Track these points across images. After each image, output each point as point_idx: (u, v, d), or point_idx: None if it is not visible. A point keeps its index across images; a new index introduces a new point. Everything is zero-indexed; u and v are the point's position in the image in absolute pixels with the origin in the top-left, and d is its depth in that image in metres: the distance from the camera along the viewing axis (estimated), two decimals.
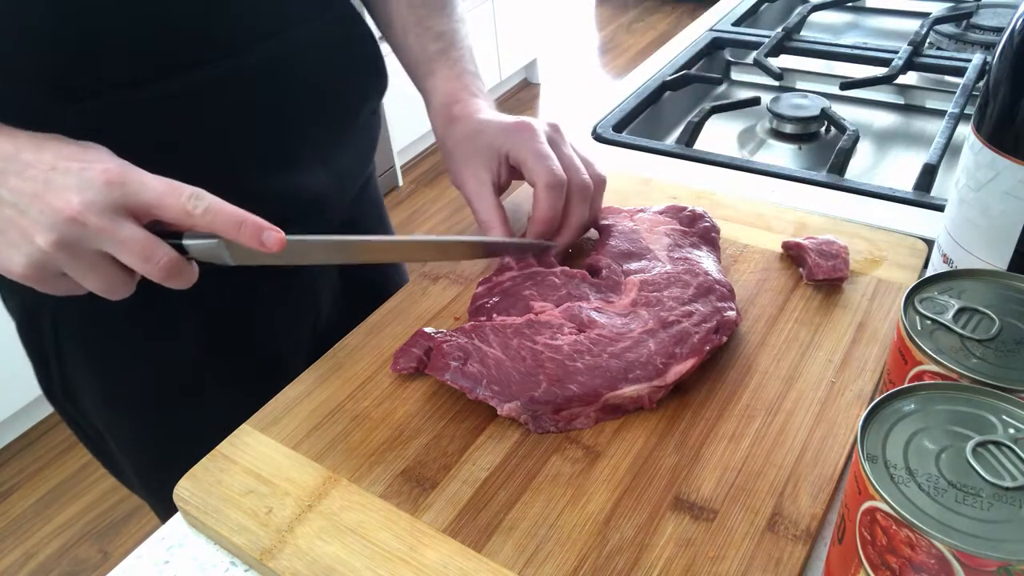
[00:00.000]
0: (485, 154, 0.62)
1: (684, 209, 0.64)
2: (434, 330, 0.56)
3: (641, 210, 0.65)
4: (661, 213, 0.64)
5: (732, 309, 0.54)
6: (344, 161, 0.69)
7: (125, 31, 0.52)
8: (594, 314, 0.54)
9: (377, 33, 0.71)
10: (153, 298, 0.58)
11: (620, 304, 0.56)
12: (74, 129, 0.47)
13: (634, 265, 0.59)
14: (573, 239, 0.62)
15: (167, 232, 0.46)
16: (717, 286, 0.56)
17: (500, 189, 0.63)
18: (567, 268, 0.59)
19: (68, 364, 0.68)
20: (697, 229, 0.62)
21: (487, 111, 0.65)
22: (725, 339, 0.53)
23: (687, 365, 0.50)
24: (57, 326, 0.66)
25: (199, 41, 0.56)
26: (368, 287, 0.78)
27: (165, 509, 0.74)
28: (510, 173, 0.63)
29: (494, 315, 0.56)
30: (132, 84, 0.53)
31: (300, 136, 0.64)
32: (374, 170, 0.82)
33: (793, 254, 0.62)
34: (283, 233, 0.46)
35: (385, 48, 0.71)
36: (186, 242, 0.46)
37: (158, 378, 0.69)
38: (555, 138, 0.62)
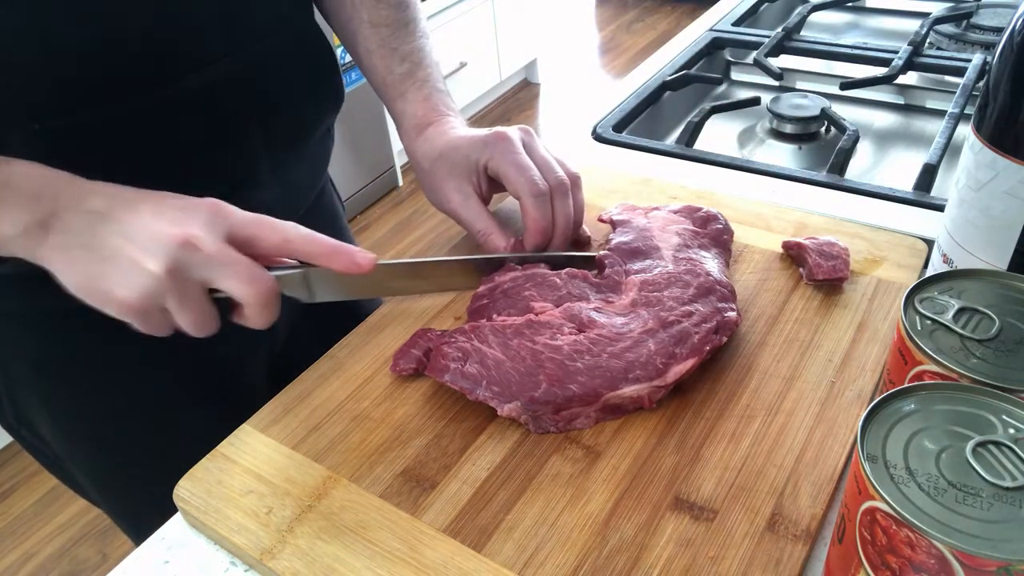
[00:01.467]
0: (463, 168, 0.62)
1: (699, 210, 0.64)
2: (433, 330, 0.56)
3: (656, 208, 0.66)
4: (676, 212, 0.65)
5: (733, 310, 0.54)
6: (296, 176, 0.69)
7: (80, 51, 0.51)
8: (594, 314, 0.54)
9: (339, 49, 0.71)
10: (94, 345, 0.60)
11: (620, 304, 0.55)
12: (21, 150, 0.47)
13: (637, 264, 0.59)
14: (566, 239, 0.62)
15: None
16: (718, 287, 0.55)
17: (483, 201, 0.64)
18: (571, 269, 0.59)
19: (20, 405, 0.67)
20: (709, 231, 0.62)
21: (459, 127, 0.65)
22: (725, 339, 0.53)
23: (687, 365, 0.50)
24: (4, 359, 0.64)
25: (157, 60, 0.54)
26: (331, 306, 0.76)
27: (136, 532, 0.73)
28: (490, 185, 0.63)
29: (494, 315, 0.56)
30: (85, 104, 0.52)
31: (254, 152, 0.63)
32: (327, 182, 0.81)
33: (793, 254, 0.62)
34: (373, 254, 0.50)
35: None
36: (276, 272, 0.49)
37: (115, 415, 0.67)
38: (529, 142, 0.62)
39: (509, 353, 0.51)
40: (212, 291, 0.47)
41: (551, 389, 0.49)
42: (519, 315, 0.55)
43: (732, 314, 0.54)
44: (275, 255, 0.49)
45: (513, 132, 0.62)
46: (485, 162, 0.61)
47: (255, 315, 0.48)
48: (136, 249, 0.44)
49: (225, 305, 0.48)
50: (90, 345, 0.63)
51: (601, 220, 0.66)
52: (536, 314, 0.55)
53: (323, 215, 0.80)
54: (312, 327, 0.67)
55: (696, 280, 0.56)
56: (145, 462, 0.64)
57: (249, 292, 0.46)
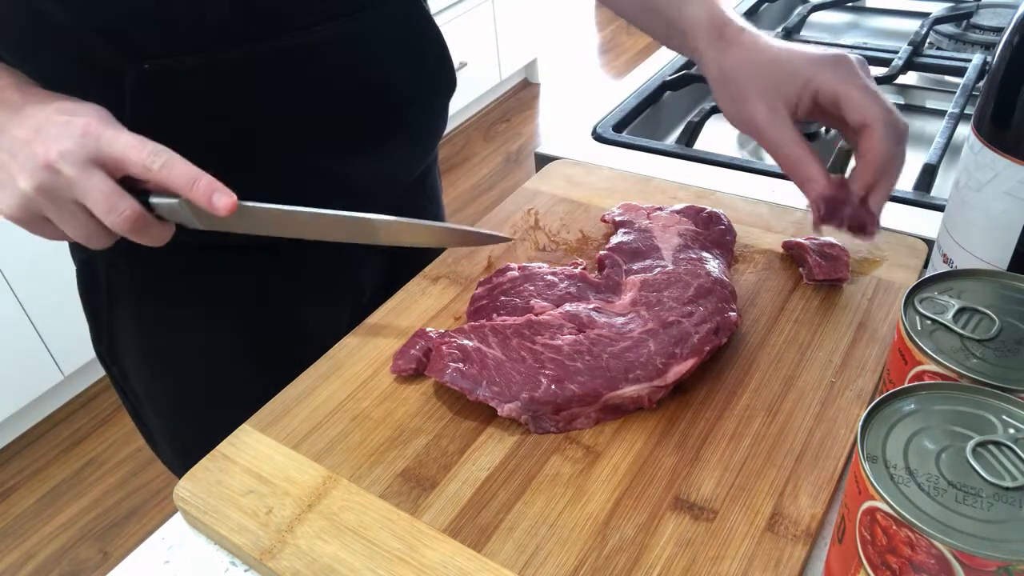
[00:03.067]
0: (785, 84, 0.54)
1: (702, 211, 0.65)
2: (433, 330, 0.56)
3: (659, 209, 0.66)
4: (679, 213, 0.65)
5: (732, 310, 0.54)
6: (400, 151, 0.70)
7: None
8: (594, 314, 0.54)
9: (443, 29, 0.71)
10: (203, 272, 0.63)
11: (620, 304, 0.56)
12: (133, 89, 0.50)
13: (637, 265, 0.59)
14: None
15: (141, 191, 0.48)
16: (718, 287, 0.55)
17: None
18: (566, 268, 0.59)
19: (116, 320, 0.70)
20: (712, 232, 0.63)
21: (768, 38, 0.57)
22: (725, 340, 0.53)
23: (687, 365, 0.50)
24: (110, 285, 0.68)
25: (267, 15, 0.56)
26: (413, 267, 0.74)
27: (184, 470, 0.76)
28: (811, 111, 0.56)
29: (493, 316, 0.56)
30: (193, 48, 0.54)
31: (357, 119, 0.64)
32: (434, 163, 0.82)
33: (794, 253, 0.62)
34: (235, 197, 0.47)
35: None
36: (152, 200, 0.48)
37: (198, 348, 0.70)
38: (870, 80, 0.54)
39: (509, 353, 0.51)
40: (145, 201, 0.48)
41: (551, 389, 0.49)
42: (519, 315, 0.55)
43: (732, 315, 0.54)
44: (144, 182, 0.48)
45: (856, 58, 0.54)
46: (818, 84, 0.53)
47: (129, 237, 0.48)
48: (15, 166, 0.46)
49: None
50: (191, 280, 0.67)
51: (604, 220, 0.66)
52: (536, 314, 0.55)
53: (425, 192, 0.81)
54: (396, 287, 0.67)
55: (696, 281, 0.56)
56: (216, 407, 0.66)
57: (107, 219, 0.47)
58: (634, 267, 0.59)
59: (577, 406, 0.49)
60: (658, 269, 0.58)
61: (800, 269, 0.61)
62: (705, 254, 0.60)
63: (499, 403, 0.49)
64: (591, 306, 0.55)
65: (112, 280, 0.68)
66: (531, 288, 0.58)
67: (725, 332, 0.53)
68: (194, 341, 0.70)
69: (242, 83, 0.57)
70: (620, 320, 0.54)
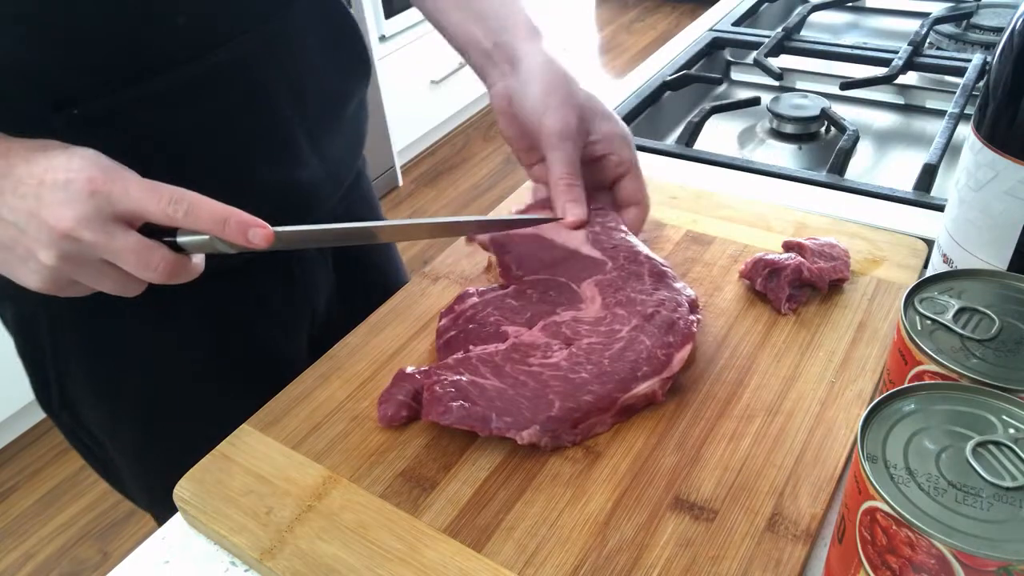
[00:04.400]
0: (569, 111, 0.57)
1: (548, 199, 0.61)
2: (414, 368, 0.53)
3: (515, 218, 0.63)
4: (535, 209, 0.62)
5: (687, 286, 0.55)
6: (334, 152, 0.69)
7: (111, 29, 0.51)
8: (575, 325, 0.54)
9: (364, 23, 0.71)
10: (151, 304, 0.58)
11: (593, 310, 0.55)
12: (65, 135, 0.47)
13: (577, 269, 0.57)
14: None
15: (165, 229, 0.46)
16: (663, 268, 0.56)
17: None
18: (517, 287, 0.58)
19: (66, 375, 0.67)
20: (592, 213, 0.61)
21: (560, 68, 0.60)
22: (701, 315, 0.54)
23: (686, 351, 0.51)
24: (55, 338, 0.65)
25: (184, 37, 0.55)
26: (365, 288, 0.78)
27: (164, 515, 0.74)
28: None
29: (469, 347, 0.54)
30: (121, 84, 0.53)
31: (289, 127, 0.63)
32: (364, 165, 0.82)
33: (793, 257, 0.62)
34: (269, 228, 0.46)
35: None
36: (179, 239, 0.46)
37: (159, 384, 0.69)
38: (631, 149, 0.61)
39: (507, 381, 0.50)
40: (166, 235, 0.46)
41: (565, 405, 0.48)
42: (493, 342, 0.54)
43: (690, 291, 0.55)
44: (167, 225, 0.46)
45: (627, 133, 0.61)
46: (592, 131, 0.59)
47: (167, 283, 0.47)
48: (29, 240, 0.44)
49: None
50: (137, 321, 0.64)
51: (484, 247, 0.63)
52: (516, 337, 0.54)
53: (362, 196, 0.80)
54: (347, 308, 0.69)
55: (643, 268, 0.56)
56: (183, 441, 0.64)
57: (143, 275, 0.46)
58: (576, 272, 0.57)
59: (595, 415, 0.49)
60: (607, 266, 0.57)
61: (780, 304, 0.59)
62: (617, 234, 0.58)
63: (516, 432, 0.47)
64: (567, 317, 0.55)
65: (55, 329, 0.65)
66: (496, 313, 0.56)
67: (696, 309, 0.54)
68: (150, 374, 0.68)
69: (173, 111, 0.56)
70: (603, 325, 0.53)
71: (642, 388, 0.49)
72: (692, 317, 0.53)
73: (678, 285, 0.55)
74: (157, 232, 0.46)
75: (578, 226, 0.59)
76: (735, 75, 1.08)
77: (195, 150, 0.58)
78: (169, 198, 0.44)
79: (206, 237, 0.46)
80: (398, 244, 0.91)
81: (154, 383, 0.69)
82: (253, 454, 0.50)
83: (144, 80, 0.54)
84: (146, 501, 0.78)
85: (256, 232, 0.46)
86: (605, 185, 0.62)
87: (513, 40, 0.60)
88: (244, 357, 0.71)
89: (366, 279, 0.80)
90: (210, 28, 0.56)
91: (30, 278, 0.46)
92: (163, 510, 0.76)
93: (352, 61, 0.70)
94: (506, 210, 0.72)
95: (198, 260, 0.48)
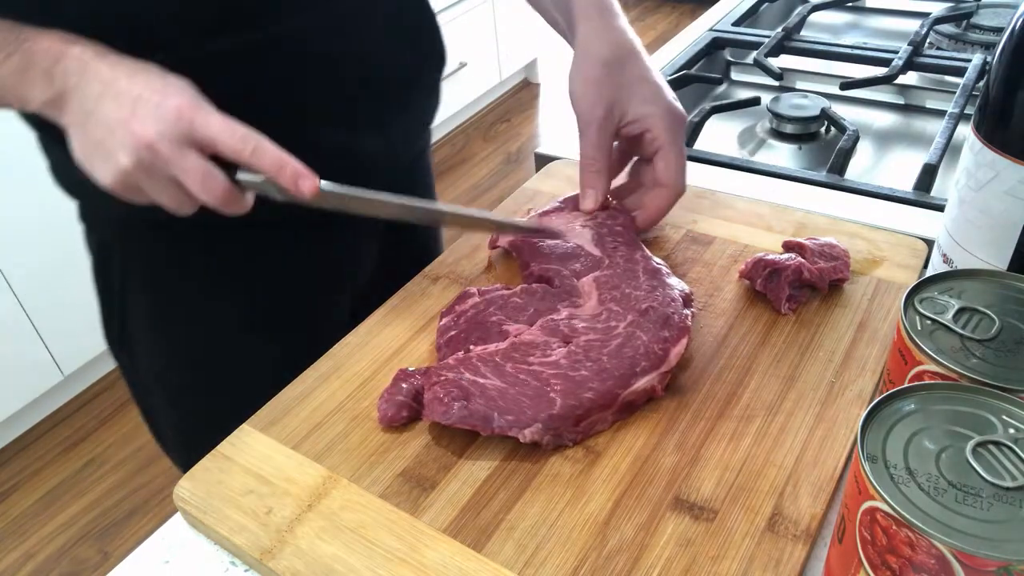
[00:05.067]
0: (612, 92, 0.62)
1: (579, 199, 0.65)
2: (415, 368, 0.54)
3: (532, 210, 0.67)
4: (562, 210, 0.66)
5: (681, 281, 0.57)
6: (397, 130, 0.72)
7: None
8: (572, 322, 0.54)
9: (438, 8, 0.74)
10: (214, 248, 0.69)
11: (590, 306, 0.56)
12: None
13: (578, 265, 0.60)
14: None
15: (229, 164, 0.51)
16: (657, 265, 0.58)
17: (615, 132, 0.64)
18: (526, 285, 0.59)
19: (129, 307, 0.73)
20: (603, 213, 0.64)
21: (634, 52, 0.64)
22: (695, 309, 0.55)
23: (682, 345, 0.52)
24: (125, 266, 0.71)
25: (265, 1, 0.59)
26: (410, 262, 0.79)
27: (186, 460, 0.78)
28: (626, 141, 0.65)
29: (469, 346, 0.54)
30: (206, 34, 0.58)
31: (354, 98, 0.67)
32: (427, 145, 0.85)
33: (793, 258, 0.62)
34: (318, 181, 0.52)
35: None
36: (240, 176, 0.52)
37: (208, 330, 0.73)
38: (680, 133, 0.63)
39: (508, 380, 0.50)
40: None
41: (567, 403, 0.48)
42: (495, 341, 0.54)
43: (684, 286, 0.56)
44: (234, 161, 0.52)
45: (680, 113, 0.63)
46: (634, 110, 0.62)
47: (218, 210, 0.52)
48: (114, 142, 0.50)
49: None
50: (197, 266, 0.70)
51: (493, 247, 0.66)
52: (516, 336, 0.54)
53: (421, 175, 0.84)
54: (389, 272, 0.72)
55: (639, 266, 0.58)
56: (225, 391, 0.70)
57: (202, 196, 0.51)
58: (577, 268, 0.59)
59: (596, 412, 0.49)
60: (604, 264, 0.59)
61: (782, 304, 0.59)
62: (621, 236, 0.61)
63: (518, 430, 0.48)
64: (564, 315, 0.55)
65: (126, 262, 0.71)
66: (497, 312, 0.57)
67: (689, 304, 0.55)
68: (203, 318, 0.73)
69: (248, 66, 0.60)
70: (600, 322, 0.54)
71: (641, 383, 0.50)
72: (686, 311, 0.54)
73: (671, 281, 0.57)
74: (222, 167, 0.51)
75: (590, 211, 0.64)
76: (735, 75, 1.08)
77: (258, 106, 0.60)
78: (242, 135, 0.50)
79: (261, 179, 0.52)
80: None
81: (204, 331, 0.73)
82: (253, 454, 0.50)
83: (223, 35, 0.58)
84: (183, 459, 0.81)
85: (305, 182, 0.51)
86: (647, 160, 0.64)
87: (571, 18, 0.66)
88: (286, 314, 0.74)
89: (411, 254, 0.81)
90: None
91: (105, 174, 0.51)
92: (183, 457, 0.80)
93: (422, 46, 0.74)
94: (507, 210, 0.72)
95: (249, 199, 0.53)
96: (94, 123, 0.50)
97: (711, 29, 1.08)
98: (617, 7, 0.67)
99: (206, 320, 0.73)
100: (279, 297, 0.74)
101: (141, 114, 0.49)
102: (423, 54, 0.74)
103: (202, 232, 0.65)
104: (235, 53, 0.59)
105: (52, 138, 0.63)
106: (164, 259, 0.70)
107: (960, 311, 0.42)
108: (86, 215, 0.72)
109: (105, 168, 0.51)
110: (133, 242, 0.70)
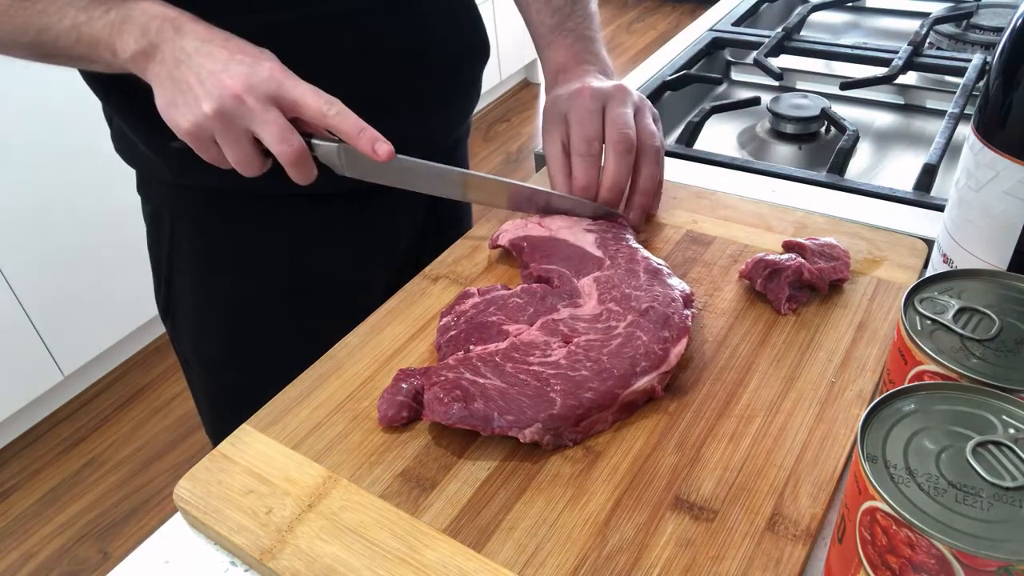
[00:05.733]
0: (556, 118, 0.67)
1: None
2: (415, 368, 0.53)
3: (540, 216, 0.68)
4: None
5: (682, 282, 0.57)
6: (436, 118, 0.74)
7: None
8: (572, 322, 0.54)
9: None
10: (258, 217, 0.72)
11: (590, 306, 0.56)
12: None
13: (578, 265, 0.60)
14: (614, 202, 0.65)
15: (303, 132, 0.56)
16: (658, 265, 0.58)
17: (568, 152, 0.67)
18: (526, 285, 0.60)
19: (175, 274, 0.76)
20: (609, 219, 0.66)
21: (587, 78, 0.68)
22: (696, 310, 0.55)
23: (682, 345, 0.52)
24: (174, 233, 0.74)
25: None
26: (443, 228, 0.82)
27: (217, 434, 0.81)
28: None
29: (469, 346, 0.54)
30: (254, 9, 0.61)
31: (398, 82, 0.69)
32: (465, 135, 0.87)
33: (793, 258, 0.62)
34: (391, 147, 0.55)
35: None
36: (314, 142, 0.57)
37: (248, 300, 0.76)
38: (613, 99, 0.65)
39: (508, 379, 0.50)
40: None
41: (567, 403, 0.48)
42: (495, 340, 0.54)
43: (685, 286, 0.56)
44: (315, 124, 0.56)
45: (604, 88, 0.66)
46: (565, 113, 0.66)
47: (288, 169, 0.56)
48: (201, 90, 0.53)
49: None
50: (247, 225, 0.73)
51: (493, 247, 0.66)
52: (516, 336, 0.54)
53: (459, 160, 0.86)
54: (424, 251, 0.74)
55: (640, 266, 0.58)
56: (259, 363, 0.73)
57: (278, 149, 0.54)
58: (578, 269, 0.60)
59: (596, 412, 0.49)
60: (604, 264, 0.59)
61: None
62: (622, 238, 0.62)
63: (518, 430, 0.48)
64: (564, 315, 0.55)
65: (176, 229, 0.74)
66: (498, 312, 0.57)
67: (690, 304, 0.55)
68: (245, 288, 0.75)
69: (291, 46, 0.61)
70: (600, 322, 0.54)
71: (641, 383, 0.50)
72: (686, 311, 0.54)
73: (672, 281, 0.57)
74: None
75: (583, 192, 0.65)
76: (735, 75, 1.08)
77: (310, 79, 0.62)
78: (327, 99, 0.54)
79: (335, 146, 0.57)
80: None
81: (240, 300, 0.76)
82: (253, 454, 0.50)
83: (274, 10, 0.62)
84: (214, 432, 0.84)
85: (381, 146, 0.55)
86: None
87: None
88: (320, 285, 0.76)
89: (446, 230, 0.83)
90: None
91: (185, 120, 0.53)
92: (216, 430, 0.84)
93: (467, 39, 0.76)
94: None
95: (314, 168, 0.57)
96: (184, 70, 0.53)
97: (711, 29, 1.08)
98: (572, 22, 0.71)
99: (248, 290, 0.75)
100: (321, 268, 0.75)
101: (233, 69, 0.53)
102: (467, 45, 0.76)
103: (252, 201, 0.69)
104: (283, 28, 0.61)
105: (116, 107, 0.67)
106: (214, 227, 0.73)
107: (960, 311, 0.42)
108: (141, 184, 0.75)
109: (187, 113, 0.53)
110: (185, 208, 0.73)
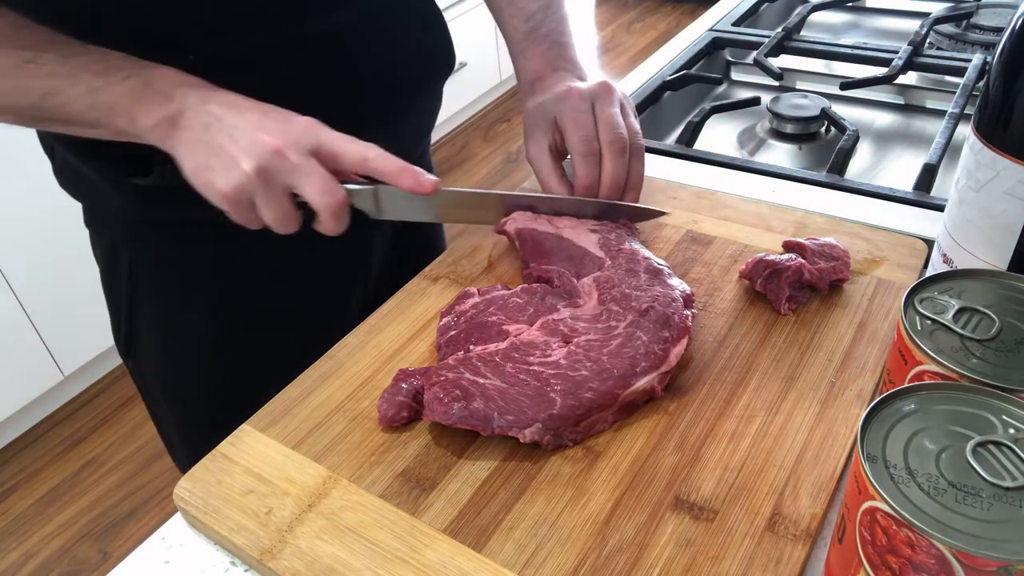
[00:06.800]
0: (543, 123, 0.66)
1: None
2: (415, 368, 0.54)
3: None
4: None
5: (683, 282, 0.57)
6: (402, 131, 0.74)
7: None
8: (571, 322, 0.54)
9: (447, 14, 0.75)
10: (224, 252, 0.69)
11: (590, 306, 0.56)
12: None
13: (579, 266, 0.60)
14: (613, 196, 0.65)
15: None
16: (658, 265, 0.58)
17: (561, 154, 0.68)
18: (526, 285, 0.60)
19: (136, 314, 0.73)
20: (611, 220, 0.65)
21: (565, 82, 0.68)
22: (696, 310, 0.55)
23: (682, 345, 0.52)
24: (133, 270, 0.71)
25: (286, 2, 0.60)
26: (417, 253, 0.81)
27: (188, 462, 0.78)
28: (564, 140, 0.66)
29: (469, 346, 0.54)
30: (232, 36, 0.59)
31: (367, 99, 0.68)
32: (428, 145, 0.87)
33: (794, 258, 0.62)
34: (436, 178, 0.55)
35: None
36: (348, 187, 0.56)
37: (218, 336, 0.73)
38: (601, 98, 0.65)
39: (508, 379, 0.50)
40: (297, 199, 0.55)
41: (567, 403, 0.48)
42: (495, 340, 0.54)
43: (686, 286, 0.56)
44: (354, 171, 0.55)
45: (587, 88, 0.65)
46: (554, 117, 0.65)
47: (327, 221, 0.55)
48: (237, 149, 0.51)
49: (309, 214, 0.56)
50: (212, 257, 0.70)
51: (499, 231, 0.66)
52: (516, 336, 0.54)
53: (424, 166, 0.85)
54: (396, 273, 0.73)
55: (641, 266, 0.58)
56: (228, 395, 0.70)
57: (322, 201, 0.53)
58: (579, 269, 0.60)
59: (596, 412, 0.49)
60: (606, 265, 0.59)
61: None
62: (626, 240, 0.62)
63: (518, 430, 0.48)
64: (564, 315, 0.55)
65: (135, 265, 0.71)
66: (498, 312, 0.57)
67: (690, 304, 0.55)
68: (213, 323, 0.73)
69: (266, 71, 0.61)
70: (600, 322, 0.54)
71: (641, 384, 0.50)
72: (687, 312, 0.54)
73: (672, 281, 0.57)
74: None
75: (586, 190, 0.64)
76: (735, 75, 1.08)
77: (276, 102, 0.61)
78: (365, 144, 0.54)
79: (369, 188, 0.57)
80: None
81: (213, 334, 0.73)
82: (253, 454, 0.50)
83: (245, 37, 0.60)
84: (188, 457, 0.81)
85: (425, 179, 0.55)
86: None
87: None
88: (296, 312, 0.74)
89: (417, 253, 0.82)
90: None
91: (224, 183, 0.52)
92: (188, 458, 0.81)
93: (434, 51, 0.75)
94: None
95: (348, 218, 0.56)
96: (215, 132, 0.52)
97: (711, 29, 1.08)
98: (545, 27, 0.71)
99: (217, 325, 0.72)
100: (292, 297, 0.74)
101: (269, 126, 0.52)
102: (434, 59, 0.75)
103: (215, 232, 0.64)
104: (262, 52, 0.60)
105: (67, 141, 0.63)
106: (176, 260, 0.70)
107: (960, 311, 0.42)
108: (92, 219, 0.71)
109: (225, 175, 0.52)
110: (143, 243, 0.69)
